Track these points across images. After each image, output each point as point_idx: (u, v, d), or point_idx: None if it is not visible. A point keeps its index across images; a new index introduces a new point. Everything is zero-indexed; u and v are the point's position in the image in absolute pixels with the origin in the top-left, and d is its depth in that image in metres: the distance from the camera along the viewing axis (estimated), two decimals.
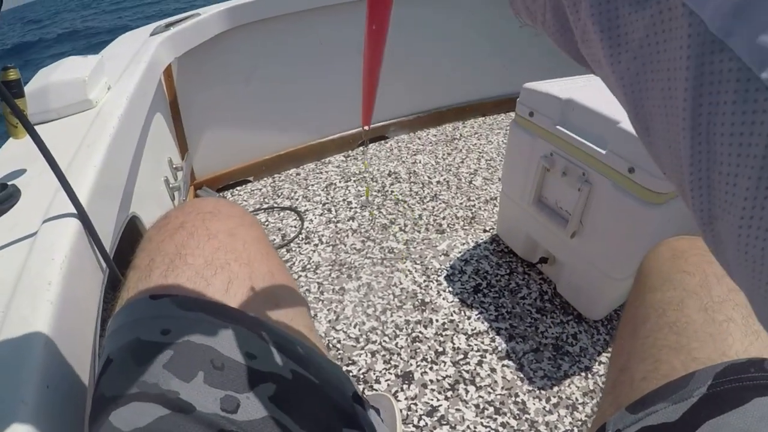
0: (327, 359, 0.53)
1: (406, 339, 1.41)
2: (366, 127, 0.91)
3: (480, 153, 2.43)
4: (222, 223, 0.59)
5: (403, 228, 1.87)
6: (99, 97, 1.17)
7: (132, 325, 0.46)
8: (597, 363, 1.35)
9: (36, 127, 0.97)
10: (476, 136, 2.61)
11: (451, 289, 1.59)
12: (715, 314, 0.53)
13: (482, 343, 1.40)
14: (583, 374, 1.32)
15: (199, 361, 0.44)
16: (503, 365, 1.34)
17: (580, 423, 1.21)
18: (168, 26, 1.71)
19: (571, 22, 0.29)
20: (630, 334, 0.60)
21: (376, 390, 1.28)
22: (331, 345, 1.39)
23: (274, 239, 1.82)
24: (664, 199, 1.12)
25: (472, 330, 1.44)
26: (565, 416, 1.22)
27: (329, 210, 1.99)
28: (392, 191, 2.10)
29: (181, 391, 0.42)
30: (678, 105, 0.22)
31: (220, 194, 2.06)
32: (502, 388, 1.28)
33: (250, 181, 2.20)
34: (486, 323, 1.46)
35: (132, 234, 1.06)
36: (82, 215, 0.74)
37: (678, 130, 0.23)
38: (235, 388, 0.43)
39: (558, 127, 1.30)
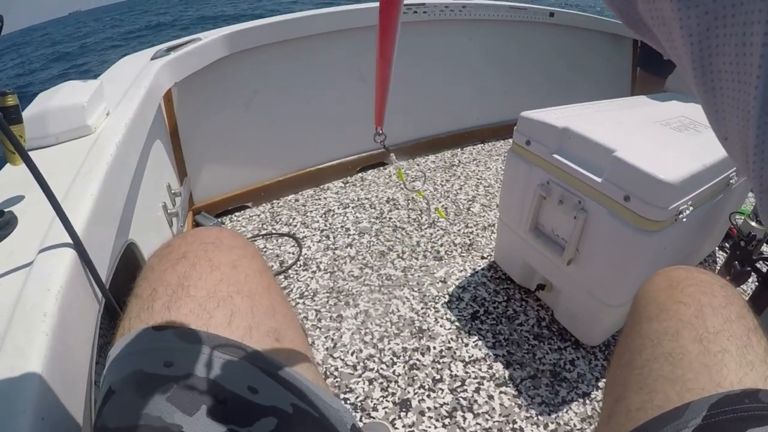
0: (326, 393, 0.53)
1: (404, 366, 1.41)
2: (380, 129, 0.92)
3: (478, 180, 2.44)
4: (224, 255, 0.59)
5: (401, 255, 1.88)
6: (98, 122, 1.17)
7: (135, 357, 0.46)
8: (595, 389, 1.35)
9: (34, 152, 0.98)
10: (474, 162, 2.63)
11: (448, 316, 1.59)
12: (710, 345, 0.53)
13: (480, 370, 1.40)
14: (581, 400, 1.32)
15: (202, 394, 0.44)
16: (501, 392, 1.34)
17: None
18: (169, 50, 1.72)
19: None
20: (626, 364, 0.60)
21: (374, 418, 1.27)
22: (328, 372, 1.38)
23: (272, 265, 1.82)
24: (660, 227, 1.13)
25: (469, 357, 1.44)
26: None
27: (327, 237, 1.99)
28: (390, 218, 2.11)
29: (184, 424, 0.42)
30: (753, 62, 0.23)
31: (219, 220, 2.07)
32: (500, 415, 1.28)
33: (248, 207, 2.21)
34: (484, 350, 1.46)
35: (129, 260, 1.05)
36: (77, 245, 0.73)
37: (750, 89, 0.23)
38: (237, 422, 0.43)
39: (554, 155, 1.31)
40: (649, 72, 2.45)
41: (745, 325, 0.56)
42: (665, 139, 1.30)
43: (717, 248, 1.93)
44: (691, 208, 1.17)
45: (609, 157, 1.17)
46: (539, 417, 1.28)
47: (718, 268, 1.76)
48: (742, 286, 1.67)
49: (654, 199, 1.10)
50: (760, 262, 1.51)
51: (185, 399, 0.43)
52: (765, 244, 1.48)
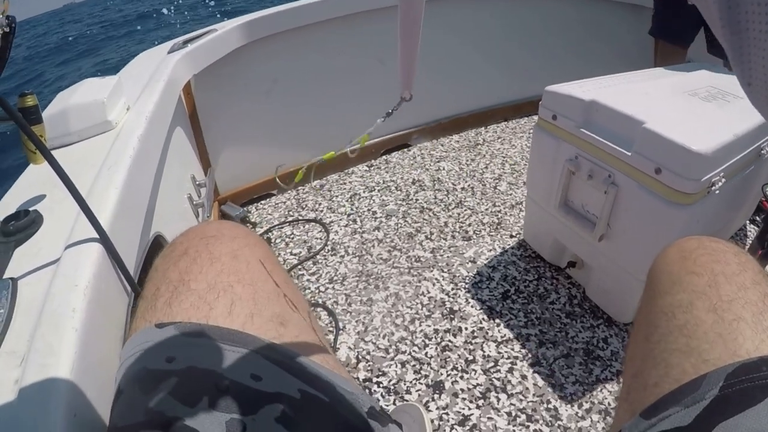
0: (339, 375, 0.53)
1: (436, 348, 1.40)
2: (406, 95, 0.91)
3: (504, 158, 2.42)
4: (225, 246, 0.59)
5: (429, 236, 1.87)
6: (118, 118, 1.18)
7: (139, 355, 0.47)
8: None
9: (56, 151, 0.98)
10: (499, 140, 2.60)
11: (479, 296, 1.58)
12: (724, 314, 0.53)
13: (512, 350, 1.39)
14: (614, 379, 1.31)
15: (204, 386, 0.44)
16: (534, 372, 1.33)
17: None
18: (185, 43, 1.73)
19: None
20: (642, 340, 0.60)
21: (407, 400, 1.27)
22: (360, 356, 1.39)
23: (300, 251, 1.83)
24: (692, 200, 1.10)
25: (501, 337, 1.43)
26: (598, 422, 1.21)
27: (354, 221, 1.99)
28: (417, 199, 2.10)
29: (186, 417, 0.42)
30: None
31: (245, 209, 2.07)
32: (534, 395, 1.27)
33: (274, 195, 2.22)
34: (515, 330, 1.45)
35: (158, 253, 1.06)
36: (104, 239, 0.74)
37: None
38: (240, 411, 0.44)
39: (582, 129, 1.29)
40: (668, 41, 2.38)
41: (761, 291, 0.55)
42: (694, 110, 1.26)
43: (748, 222, 1.89)
44: (723, 180, 1.14)
45: (638, 129, 1.14)
46: (573, 396, 1.27)
47: (749, 242, 1.72)
48: None
49: (686, 171, 1.08)
50: None
51: (186, 391, 0.44)
52: None
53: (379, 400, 1.27)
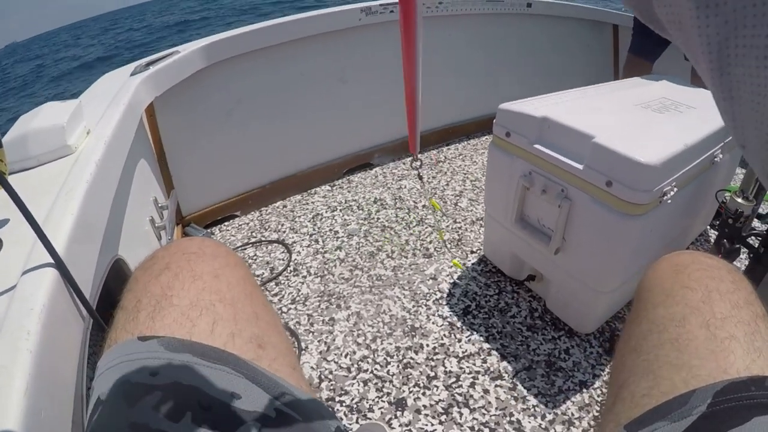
0: (309, 397, 0.53)
1: (398, 366, 1.40)
2: (416, 155, 0.92)
3: (465, 174, 2.45)
4: (207, 264, 0.60)
5: (390, 254, 1.88)
6: (78, 142, 1.17)
7: (121, 367, 0.47)
8: (591, 377, 1.35)
9: (16, 176, 0.98)
10: (461, 157, 2.64)
11: (440, 312, 1.59)
12: (717, 331, 0.53)
13: (474, 365, 1.40)
14: (577, 388, 1.32)
15: (187, 402, 0.45)
16: (496, 385, 1.34)
17: None
18: (148, 65, 1.72)
19: None
20: (631, 351, 0.60)
21: (370, 419, 1.27)
22: (323, 376, 1.38)
23: (263, 273, 1.82)
24: (644, 210, 1.13)
25: (463, 352, 1.44)
26: None
27: (316, 241, 1.99)
28: (378, 218, 2.10)
29: (170, 431, 0.42)
30: None
31: (208, 230, 2.06)
32: (497, 408, 1.28)
33: (237, 216, 2.20)
34: (477, 345, 1.46)
35: (118, 276, 1.06)
36: (59, 265, 0.74)
37: None
38: (221, 428, 0.44)
39: (535, 145, 1.31)
40: (639, 56, 2.46)
41: (754, 311, 0.56)
42: (645, 122, 1.30)
43: (709, 227, 1.93)
44: (675, 189, 1.17)
45: (588, 144, 1.17)
46: (536, 408, 1.28)
47: (710, 247, 1.76)
48: (734, 263, 1.67)
49: (636, 182, 1.10)
50: (752, 237, 1.51)
51: (171, 406, 0.44)
52: (756, 220, 1.48)
53: (342, 419, 1.26)
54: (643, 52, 2.44)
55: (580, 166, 1.20)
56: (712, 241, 1.85)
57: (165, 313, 0.52)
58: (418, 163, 0.92)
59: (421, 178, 0.99)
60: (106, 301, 0.91)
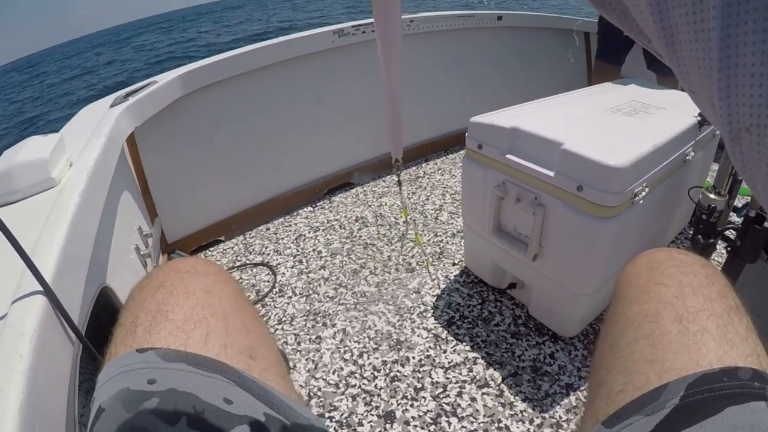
0: (298, 404, 0.56)
1: (385, 379, 1.42)
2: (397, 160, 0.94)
3: (444, 188, 2.48)
4: (199, 282, 0.63)
5: (373, 271, 1.90)
6: (61, 174, 1.19)
7: (121, 377, 0.50)
8: (577, 379, 1.37)
9: (2, 209, 1.01)
10: (440, 171, 2.67)
11: (424, 325, 1.60)
12: (689, 324, 0.54)
13: (460, 374, 1.41)
14: (564, 392, 1.34)
15: (183, 407, 0.47)
16: (483, 393, 1.35)
17: None
18: (127, 96, 1.73)
19: None
20: (608, 348, 0.61)
21: None
22: (312, 393, 1.39)
23: (249, 295, 1.83)
24: (616, 212, 1.16)
25: (449, 363, 1.45)
26: None
27: (300, 261, 2.00)
28: (360, 236, 2.13)
29: None
30: (707, 7, 0.24)
31: (194, 257, 2.07)
32: (484, 416, 1.29)
33: (222, 241, 2.21)
34: (462, 354, 1.48)
35: (105, 304, 1.08)
36: (48, 292, 0.76)
37: (707, 40, 0.24)
38: (214, 430, 0.47)
39: (507, 156, 1.34)
40: (606, 62, 2.52)
41: (727, 303, 0.57)
42: (614, 126, 1.33)
43: (689, 225, 1.96)
44: (647, 190, 1.20)
45: (558, 151, 1.20)
46: (524, 413, 1.30)
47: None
48: (713, 257, 1.69)
49: (605, 185, 1.14)
50: (729, 231, 1.53)
51: (167, 411, 0.47)
52: (732, 213, 1.50)
53: None
54: (609, 57, 2.50)
55: (551, 173, 1.23)
56: None
57: (161, 327, 0.54)
58: (400, 163, 0.94)
59: (400, 184, 1.01)
60: (95, 328, 0.94)
